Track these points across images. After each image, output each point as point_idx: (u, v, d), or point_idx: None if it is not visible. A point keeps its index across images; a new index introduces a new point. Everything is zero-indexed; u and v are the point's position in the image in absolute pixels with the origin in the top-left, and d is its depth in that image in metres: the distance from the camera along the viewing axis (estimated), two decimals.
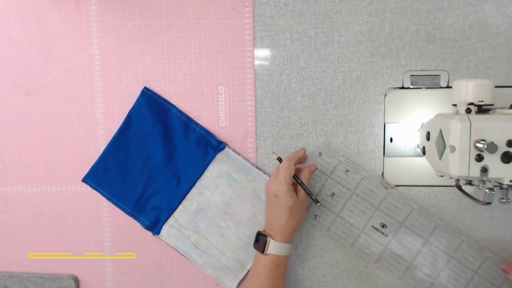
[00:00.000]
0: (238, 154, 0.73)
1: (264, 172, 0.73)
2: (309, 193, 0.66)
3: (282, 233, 0.64)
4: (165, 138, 0.73)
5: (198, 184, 0.73)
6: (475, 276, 0.70)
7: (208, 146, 0.73)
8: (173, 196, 0.73)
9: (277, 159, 0.69)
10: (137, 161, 0.74)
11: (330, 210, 0.72)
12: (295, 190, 0.66)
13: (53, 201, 0.77)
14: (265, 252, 0.64)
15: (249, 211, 0.72)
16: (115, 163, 0.74)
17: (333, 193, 0.72)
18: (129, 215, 0.75)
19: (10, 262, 0.79)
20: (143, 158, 0.74)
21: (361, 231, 0.71)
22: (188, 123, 0.73)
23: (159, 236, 0.74)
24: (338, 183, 0.71)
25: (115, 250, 0.77)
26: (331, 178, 0.72)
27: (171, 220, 0.74)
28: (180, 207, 0.73)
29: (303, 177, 0.67)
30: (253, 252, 0.68)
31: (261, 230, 0.66)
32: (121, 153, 0.74)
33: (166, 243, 0.74)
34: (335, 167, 0.72)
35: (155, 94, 0.73)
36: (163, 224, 0.74)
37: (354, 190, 0.71)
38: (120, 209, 0.75)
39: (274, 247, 0.64)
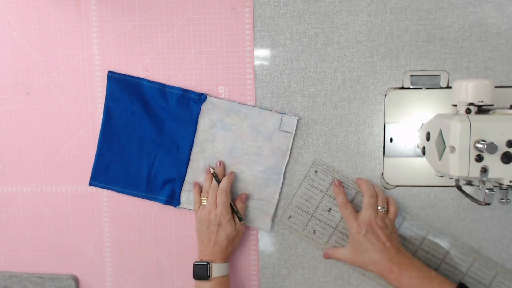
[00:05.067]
0: (222, 98, 0.73)
1: (253, 106, 0.72)
2: (238, 215, 0.70)
3: (222, 257, 0.69)
4: (148, 112, 0.73)
5: (196, 141, 0.73)
6: (464, 277, 0.70)
7: (190, 101, 0.72)
8: (178, 163, 0.73)
9: (213, 174, 0.71)
10: (132, 146, 0.74)
11: (328, 225, 0.72)
12: (233, 219, 0.70)
13: (53, 201, 0.77)
14: (210, 277, 0.67)
15: (254, 147, 0.72)
16: (113, 156, 0.74)
17: (330, 208, 0.72)
18: (145, 198, 0.75)
19: (10, 262, 0.79)
20: (136, 140, 0.74)
21: None
22: (163, 89, 0.73)
23: (180, 206, 0.74)
24: (335, 199, 0.71)
25: (115, 250, 0.77)
26: (327, 194, 0.72)
27: (186, 186, 0.74)
28: (189, 171, 0.73)
29: (238, 205, 0.71)
30: (274, 185, 0.72)
31: (196, 262, 0.68)
32: (114, 145, 0.74)
33: (190, 210, 0.74)
34: (330, 184, 0.72)
35: (121, 74, 0.73)
36: (180, 193, 0.74)
37: None
38: (135, 196, 0.75)
39: (217, 269, 0.68)
